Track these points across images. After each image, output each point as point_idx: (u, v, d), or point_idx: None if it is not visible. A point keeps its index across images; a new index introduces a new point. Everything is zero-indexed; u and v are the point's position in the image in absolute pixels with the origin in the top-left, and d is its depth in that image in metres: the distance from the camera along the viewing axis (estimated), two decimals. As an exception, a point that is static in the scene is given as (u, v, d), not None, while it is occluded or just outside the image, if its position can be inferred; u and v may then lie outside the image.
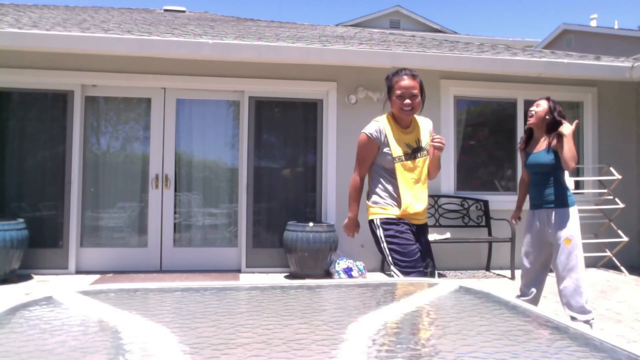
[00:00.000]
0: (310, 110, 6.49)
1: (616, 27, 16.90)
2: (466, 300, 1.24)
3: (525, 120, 7.09)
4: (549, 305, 4.72)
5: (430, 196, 6.47)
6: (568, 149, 3.36)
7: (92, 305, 1.16)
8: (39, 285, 5.32)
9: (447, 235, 6.39)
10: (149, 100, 6.23)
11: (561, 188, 3.51)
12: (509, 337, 0.97)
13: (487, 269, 6.62)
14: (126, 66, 6.07)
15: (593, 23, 17.06)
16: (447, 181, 6.62)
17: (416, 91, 2.82)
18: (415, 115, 2.95)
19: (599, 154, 7.01)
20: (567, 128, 3.40)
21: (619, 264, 6.47)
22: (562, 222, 3.46)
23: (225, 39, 6.04)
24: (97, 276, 5.78)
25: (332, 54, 6.08)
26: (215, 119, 6.35)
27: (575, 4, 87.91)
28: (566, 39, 15.83)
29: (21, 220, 5.51)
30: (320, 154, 6.45)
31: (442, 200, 6.55)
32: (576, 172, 7.01)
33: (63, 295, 1.21)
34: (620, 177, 6.55)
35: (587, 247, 6.65)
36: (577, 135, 7.19)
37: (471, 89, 6.70)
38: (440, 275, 5.49)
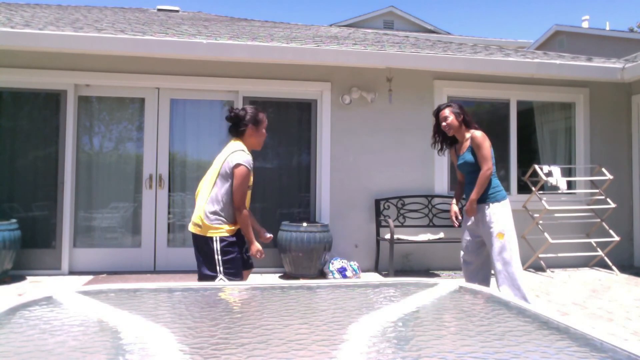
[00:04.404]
0: (304, 111, 6.49)
1: (607, 28, 17.01)
2: (466, 301, 1.25)
3: (518, 120, 7.13)
4: (540, 304, 4.75)
5: (423, 196, 6.50)
6: (481, 185, 3.64)
7: (92, 305, 1.16)
8: (32, 286, 5.28)
9: (441, 235, 6.41)
10: (142, 100, 6.20)
11: (490, 185, 3.70)
12: (509, 337, 0.97)
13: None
14: (120, 66, 6.04)
15: (585, 24, 17.14)
16: (441, 181, 6.64)
17: None
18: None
19: (591, 155, 7.06)
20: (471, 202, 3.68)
21: (610, 263, 6.52)
22: (493, 217, 3.63)
23: (219, 39, 6.03)
24: (91, 277, 5.75)
25: (326, 54, 6.08)
26: (209, 119, 6.34)
27: (567, 6, 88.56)
28: (558, 40, 15.90)
29: (14, 220, 5.47)
30: (315, 154, 6.45)
31: (436, 200, 6.57)
32: (568, 172, 7.06)
33: (63, 296, 1.21)
34: (611, 177, 6.60)
35: (579, 247, 6.71)
36: (569, 135, 7.24)
37: (464, 89, 6.73)
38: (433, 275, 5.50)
